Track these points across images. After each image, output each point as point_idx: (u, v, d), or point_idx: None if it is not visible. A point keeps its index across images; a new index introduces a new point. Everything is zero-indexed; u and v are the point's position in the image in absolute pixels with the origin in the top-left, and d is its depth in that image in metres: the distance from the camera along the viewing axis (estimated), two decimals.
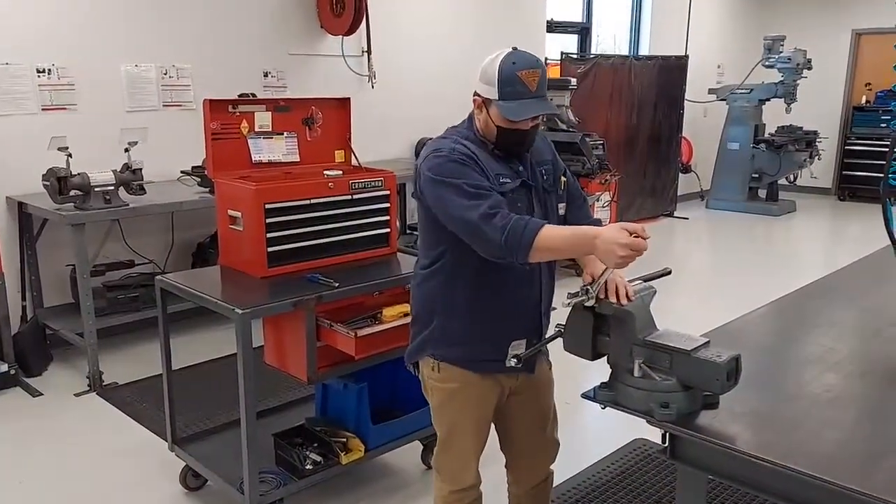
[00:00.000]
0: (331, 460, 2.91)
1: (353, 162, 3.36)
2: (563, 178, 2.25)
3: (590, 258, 2.04)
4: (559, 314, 2.05)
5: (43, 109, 4.49)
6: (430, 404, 2.27)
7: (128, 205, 4.17)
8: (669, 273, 2.05)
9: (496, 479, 2.47)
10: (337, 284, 2.74)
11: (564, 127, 6.48)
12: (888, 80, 9.20)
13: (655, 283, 1.98)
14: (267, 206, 2.81)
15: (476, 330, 2.13)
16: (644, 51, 9.23)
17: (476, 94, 2.08)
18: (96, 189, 4.04)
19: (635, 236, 1.76)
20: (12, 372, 4.13)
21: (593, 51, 8.71)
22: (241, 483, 2.71)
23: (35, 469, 3.34)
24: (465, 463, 2.25)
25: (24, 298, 4.53)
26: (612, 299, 1.84)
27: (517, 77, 1.99)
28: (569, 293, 1.84)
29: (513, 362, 2.04)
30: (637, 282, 1.92)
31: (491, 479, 2.40)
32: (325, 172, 3.07)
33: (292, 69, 5.66)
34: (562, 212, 2.24)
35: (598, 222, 2.25)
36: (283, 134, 3.19)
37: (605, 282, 1.86)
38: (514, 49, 2.06)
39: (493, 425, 2.32)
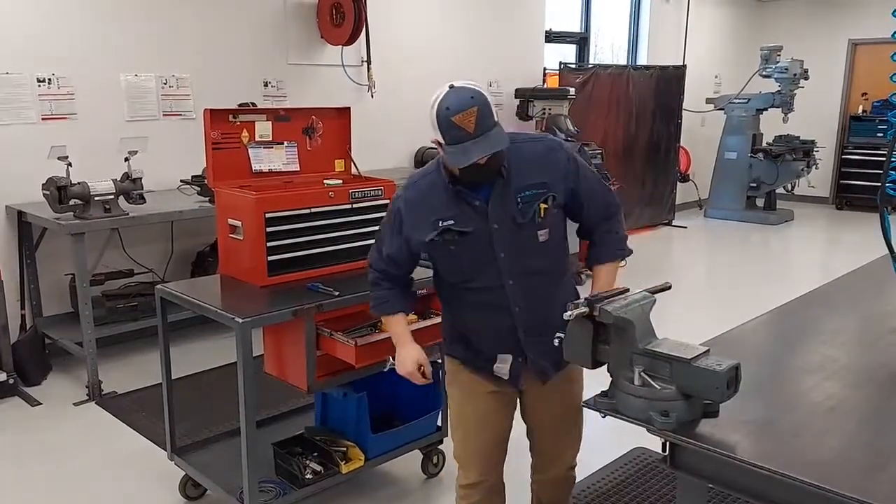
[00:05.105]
0: (331, 469, 2.91)
1: (353, 171, 3.37)
2: (543, 206, 2.10)
3: (593, 277, 2.24)
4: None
5: (43, 119, 4.50)
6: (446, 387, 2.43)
7: (127, 214, 4.18)
8: (669, 288, 2.05)
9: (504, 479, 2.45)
10: (337, 293, 2.74)
11: (563, 136, 6.51)
12: (885, 90, 9.25)
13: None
14: (267, 215, 2.82)
15: (463, 338, 2.28)
16: (642, 60, 9.26)
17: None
18: (96, 198, 4.05)
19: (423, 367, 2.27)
20: (11, 381, 4.12)
21: (592, 60, 8.74)
22: (240, 492, 2.70)
23: (34, 479, 3.33)
24: (470, 456, 2.30)
25: (23, 307, 4.53)
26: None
27: (453, 123, 1.96)
28: (570, 304, 1.84)
29: (501, 375, 2.23)
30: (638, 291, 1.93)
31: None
32: (326, 181, 3.09)
33: (292, 79, 5.68)
34: (542, 239, 2.13)
35: (616, 246, 2.26)
36: (283, 143, 3.21)
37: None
38: (451, 87, 2.00)
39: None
